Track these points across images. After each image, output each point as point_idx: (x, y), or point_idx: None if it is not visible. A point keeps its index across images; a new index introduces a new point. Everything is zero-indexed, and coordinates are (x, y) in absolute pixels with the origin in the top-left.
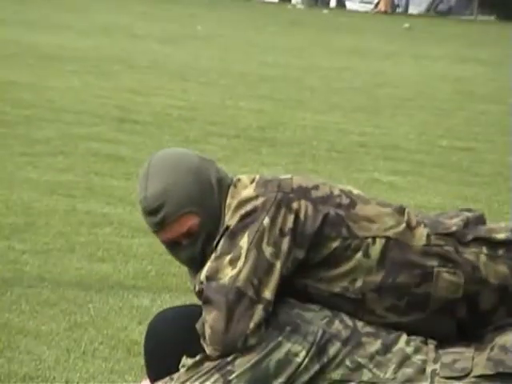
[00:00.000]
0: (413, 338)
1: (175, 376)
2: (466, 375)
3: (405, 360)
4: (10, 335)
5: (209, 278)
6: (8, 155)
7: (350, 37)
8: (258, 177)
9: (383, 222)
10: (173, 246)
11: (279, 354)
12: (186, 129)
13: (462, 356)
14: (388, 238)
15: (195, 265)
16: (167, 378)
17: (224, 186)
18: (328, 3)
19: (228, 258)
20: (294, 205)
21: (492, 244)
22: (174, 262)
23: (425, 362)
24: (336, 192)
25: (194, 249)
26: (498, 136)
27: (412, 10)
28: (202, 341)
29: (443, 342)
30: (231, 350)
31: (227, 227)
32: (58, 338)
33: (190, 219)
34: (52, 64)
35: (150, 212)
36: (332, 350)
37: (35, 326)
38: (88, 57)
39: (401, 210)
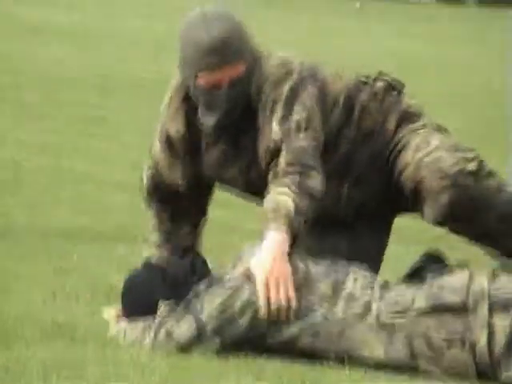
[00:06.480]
0: (360, 276)
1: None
2: (407, 311)
3: (352, 298)
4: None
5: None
6: None
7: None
8: (276, 57)
9: None
10: (213, 89)
11: (243, 296)
12: None
13: (403, 294)
14: None
15: (225, 113)
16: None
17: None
18: None
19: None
20: (318, 76)
21: None
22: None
23: (370, 299)
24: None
25: (232, 94)
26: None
27: None
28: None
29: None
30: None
31: (275, 99)
32: None
33: (241, 67)
34: None
35: (214, 50)
36: None
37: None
38: None
39: None
